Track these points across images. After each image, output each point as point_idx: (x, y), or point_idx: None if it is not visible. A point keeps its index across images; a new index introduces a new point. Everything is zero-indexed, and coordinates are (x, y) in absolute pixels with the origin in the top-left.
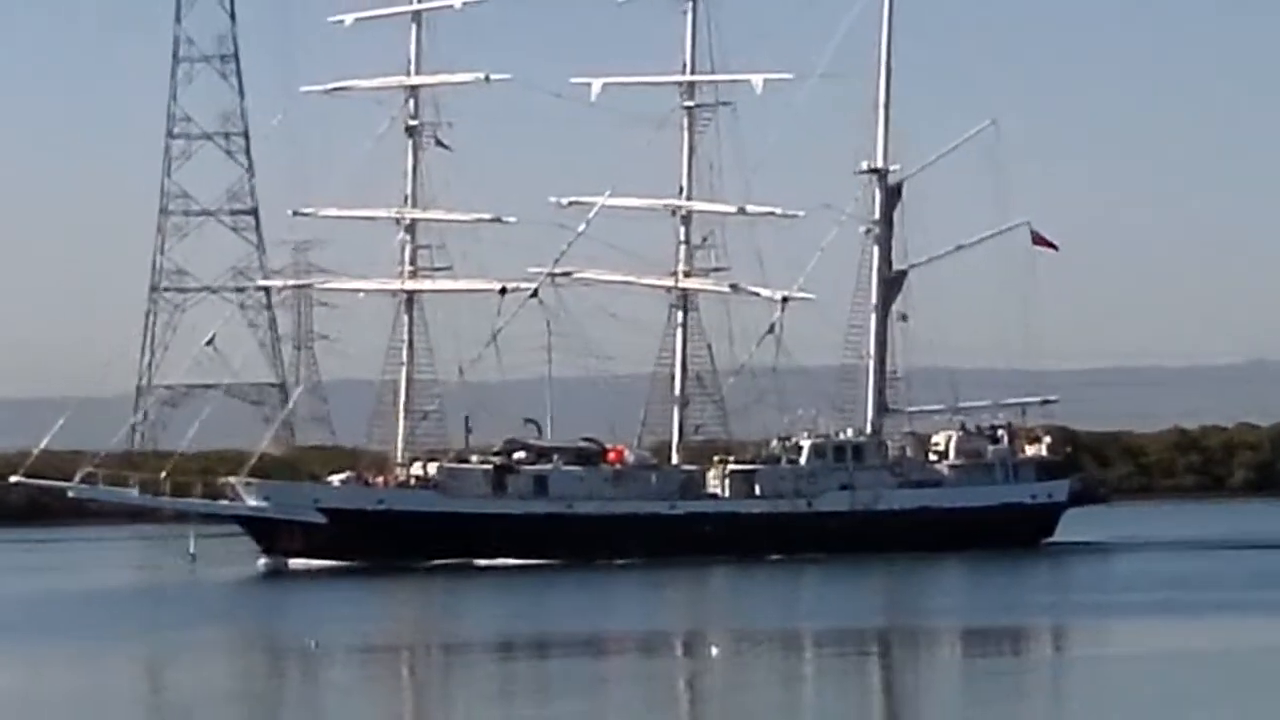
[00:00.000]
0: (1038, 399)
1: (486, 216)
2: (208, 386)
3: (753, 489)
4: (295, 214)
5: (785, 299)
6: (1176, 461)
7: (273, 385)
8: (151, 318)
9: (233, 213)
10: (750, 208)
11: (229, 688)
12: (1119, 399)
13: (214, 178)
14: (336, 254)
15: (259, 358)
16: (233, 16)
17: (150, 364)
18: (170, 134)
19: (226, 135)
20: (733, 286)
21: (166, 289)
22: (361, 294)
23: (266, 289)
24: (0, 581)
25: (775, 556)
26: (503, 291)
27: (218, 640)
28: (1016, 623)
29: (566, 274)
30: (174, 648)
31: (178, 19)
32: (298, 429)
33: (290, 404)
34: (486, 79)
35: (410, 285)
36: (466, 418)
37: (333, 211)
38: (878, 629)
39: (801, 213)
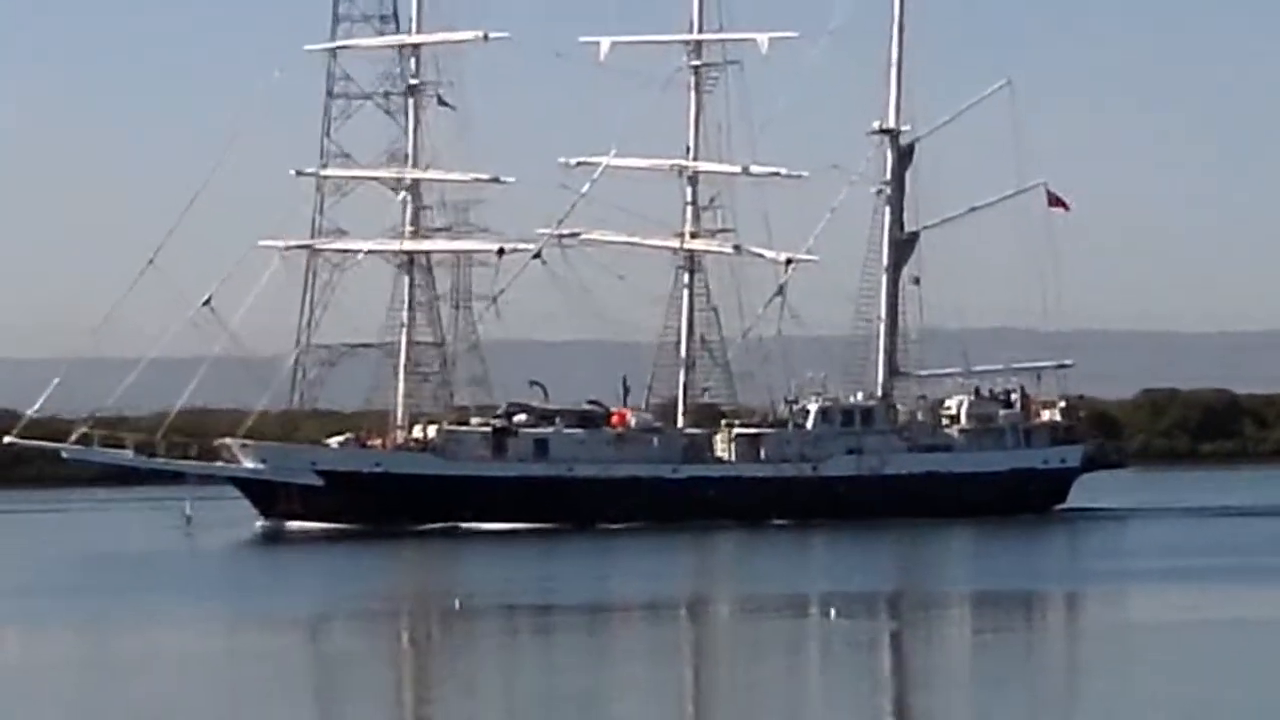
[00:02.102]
0: (1052, 363)
1: (484, 176)
2: (366, 346)
3: (758, 453)
4: (298, 173)
5: (789, 261)
6: None
7: (430, 344)
8: (311, 277)
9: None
10: (755, 168)
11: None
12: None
13: (373, 137)
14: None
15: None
16: None
17: (309, 323)
18: (330, 93)
19: (386, 95)
20: (736, 248)
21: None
22: (360, 254)
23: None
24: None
25: (780, 521)
26: (500, 253)
27: (353, 603)
28: (1025, 588)
29: (574, 235)
30: (320, 612)
31: None
32: (456, 390)
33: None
34: (485, 37)
35: (410, 246)
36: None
37: (335, 170)
38: (889, 595)
39: (807, 173)
